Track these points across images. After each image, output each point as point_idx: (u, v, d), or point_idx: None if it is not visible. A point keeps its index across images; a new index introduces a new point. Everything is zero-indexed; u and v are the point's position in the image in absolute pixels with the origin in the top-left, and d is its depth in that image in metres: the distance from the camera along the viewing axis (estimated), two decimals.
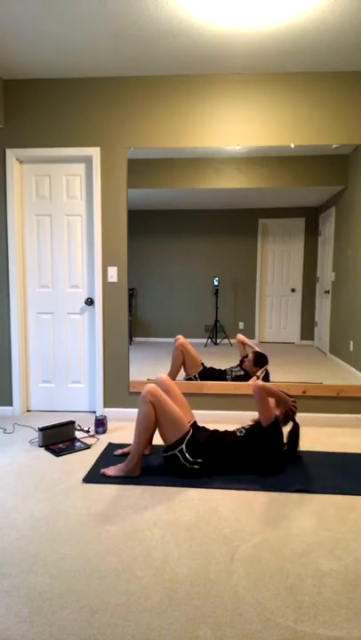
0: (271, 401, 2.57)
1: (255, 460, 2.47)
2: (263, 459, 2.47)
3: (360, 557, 1.78)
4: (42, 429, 2.89)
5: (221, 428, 3.14)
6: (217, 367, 3.42)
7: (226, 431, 2.63)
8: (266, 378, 3.35)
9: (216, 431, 2.62)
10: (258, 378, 3.32)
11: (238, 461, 2.47)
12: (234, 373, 3.40)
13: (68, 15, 2.49)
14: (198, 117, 3.24)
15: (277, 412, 2.58)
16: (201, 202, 3.32)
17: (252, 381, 2.47)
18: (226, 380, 3.39)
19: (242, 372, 3.39)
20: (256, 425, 2.54)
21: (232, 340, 3.42)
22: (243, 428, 2.59)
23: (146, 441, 2.44)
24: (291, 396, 2.63)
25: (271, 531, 1.95)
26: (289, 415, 2.61)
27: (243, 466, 2.48)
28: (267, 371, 3.37)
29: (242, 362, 3.40)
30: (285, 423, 2.63)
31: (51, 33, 2.68)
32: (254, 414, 3.35)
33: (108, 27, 2.61)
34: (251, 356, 3.38)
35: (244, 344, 3.30)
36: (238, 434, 2.54)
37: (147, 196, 3.34)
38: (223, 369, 3.41)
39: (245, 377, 3.37)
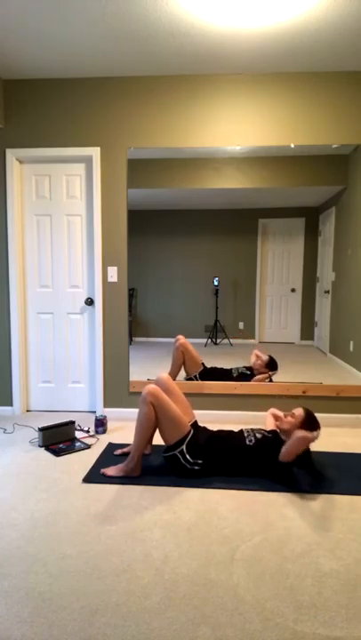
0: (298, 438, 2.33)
1: (261, 470, 2.43)
2: (270, 470, 2.42)
3: (360, 557, 1.78)
4: (42, 429, 2.89)
5: (220, 427, 3.15)
6: (219, 367, 3.43)
7: (231, 432, 2.56)
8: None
9: (219, 432, 2.57)
10: (269, 377, 3.32)
11: (242, 468, 2.44)
12: (240, 371, 3.40)
13: (68, 15, 2.49)
14: (198, 117, 3.24)
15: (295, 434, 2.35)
16: (201, 202, 3.32)
17: (302, 433, 2.32)
18: (232, 374, 3.39)
19: (248, 372, 3.39)
20: (269, 439, 2.45)
21: (232, 341, 3.42)
22: (252, 432, 2.50)
23: (146, 441, 2.44)
24: (311, 419, 2.46)
25: (271, 531, 1.95)
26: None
27: (246, 472, 2.45)
28: (271, 379, 3.36)
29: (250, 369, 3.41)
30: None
31: (51, 33, 2.68)
32: (253, 414, 3.36)
33: (108, 27, 2.61)
34: (266, 357, 3.38)
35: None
36: (248, 442, 2.44)
37: (147, 196, 3.34)
38: (229, 368, 3.41)
39: (251, 376, 3.38)
